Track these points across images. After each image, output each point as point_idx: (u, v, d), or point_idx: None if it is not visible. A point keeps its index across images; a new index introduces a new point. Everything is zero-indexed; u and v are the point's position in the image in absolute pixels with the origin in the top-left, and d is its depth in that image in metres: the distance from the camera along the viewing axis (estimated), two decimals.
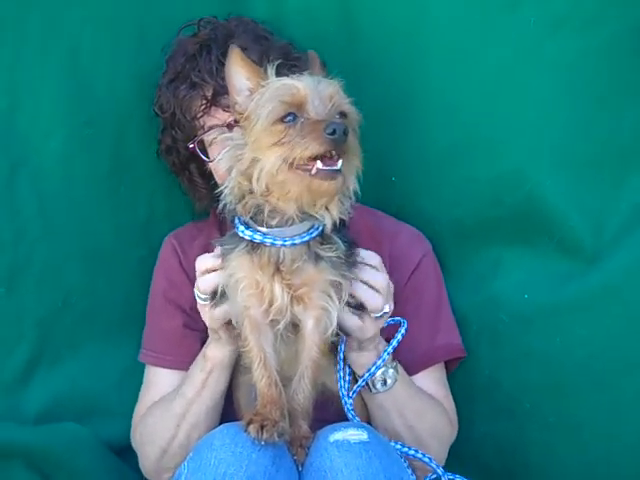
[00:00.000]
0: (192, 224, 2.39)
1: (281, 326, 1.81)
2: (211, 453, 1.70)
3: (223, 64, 1.88)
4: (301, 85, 1.71)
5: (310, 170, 1.66)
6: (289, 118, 1.69)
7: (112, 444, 2.32)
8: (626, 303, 2.19)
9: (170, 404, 2.11)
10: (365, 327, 1.92)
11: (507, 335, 2.34)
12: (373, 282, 1.91)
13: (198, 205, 2.32)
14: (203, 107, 2.08)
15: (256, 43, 2.13)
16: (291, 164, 1.67)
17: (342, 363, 1.99)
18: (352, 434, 1.75)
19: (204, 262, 1.92)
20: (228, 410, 2.12)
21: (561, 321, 2.26)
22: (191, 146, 2.15)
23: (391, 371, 2.03)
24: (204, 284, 1.90)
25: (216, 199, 1.85)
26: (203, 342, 2.17)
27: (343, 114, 1.73)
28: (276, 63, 1.80)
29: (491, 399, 2.38)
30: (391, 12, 2.27)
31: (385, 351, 2.01)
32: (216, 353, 2.02)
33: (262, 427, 1.68)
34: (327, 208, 1.76)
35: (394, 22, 2.27)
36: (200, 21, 2.20)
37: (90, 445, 2.29)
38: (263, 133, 1.71)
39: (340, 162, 1.66)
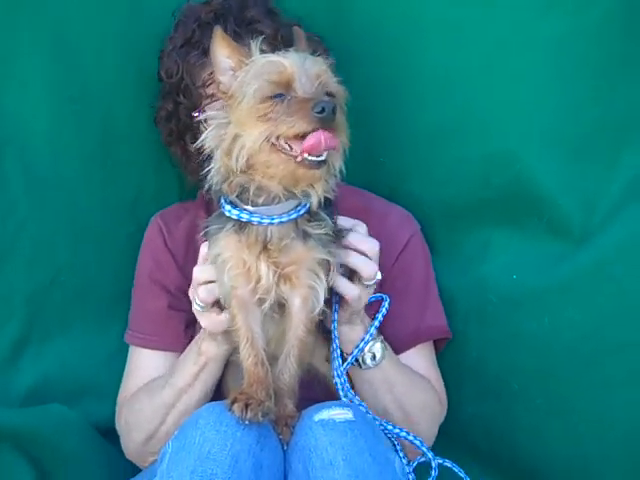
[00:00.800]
0: (179, 204, 2.38)
1: (267, 305, 1.80)
2: (195, 432, 1.69)
3: (238, 34, 1.88)
4: (288, 63, 1.69)
5: (295, 157, 1.65)
6: (276, 96, 1.67)
7: (100, 425, 2.31)
8: (615, 283, 2.17)
9: (159, 392, 2.09)
10: (360, 296, 1.91)
11: (495, 316, 2.33)
12: (365, 249, 1.90)
13: (189, 179, 2.28)
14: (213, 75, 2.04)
15: (267, 17, 2.13)
16: (274, 141, 1.66)
17: (337, 340, 1.96)
18: (337, 413, 1.74)
19: (204, 272, 1.89)
20: (216, 391, 2.12)
21: (550, 302, 2.25)
22: (196, 114, 2.12)
23: (379, 344, 2.02)
24: (205, 295, 1.87)
25: (204, 178, 1.84)
26: (187, 323, 2.20)
27: (330, 93, 1.71)
28: (260, 39, 1.78)
29: (479, 380, 2.38)
30: None
31: (372, 325, 2.00)
32: (211, 349, 2.01)
33: (246, 406, 1.67)
34: (312, 186, 1.75)
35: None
36: None
37: (78, 427, 2.27)
38: (248, 110, 1.69)
39: (325, 153, 1.65)
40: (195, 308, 1.92)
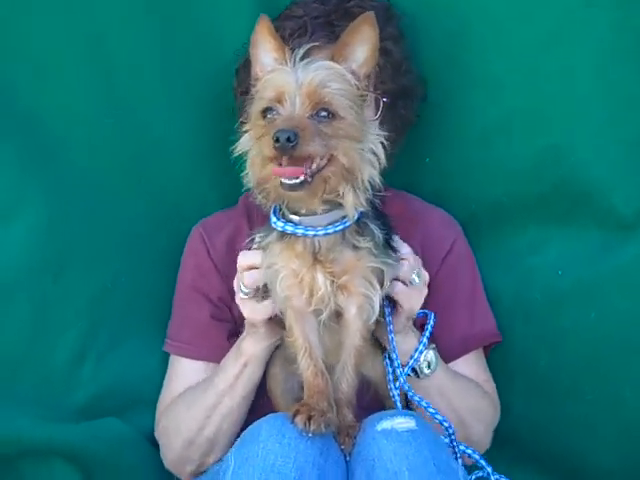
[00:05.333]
0: (220, 213, 2.36)
1: (324, 315, 1.79)
2: (258, 445, 1.68)
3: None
4: (282, 78, 1.66)
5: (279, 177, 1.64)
6: (270, 114, 1.65)
7: (152, 437, 2.28)
8: None
9: (200, 395, 2.09)
10: (412, 296, 1.92)
11: (540, 313, 2.31)
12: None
13: None
14: None
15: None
16: (266, 162, 1.65)
17: (396, 351, 1.94)
18: (400, 422, 1.73)
19: (248, 258, 1.89)
20: (260, 401, 2.12)
21: (596, 295, 2.22)
22: None
23: (432, 352, 2.01)
24: (250, 279, 1.87)
25: None
26: (230, 334, 2.19)
27: (328, 112, 1.64)
28: (308, 46, 1.72)
29: (527, 379, 2.35)
30: None
31: (424, 334, 2.00)
32: (252, 347, 2.00)
33: (309, 418, 1.66)
34: (343, 197, 1.71)
35: None
36: None
37: (133, 442, 2.27)
38: (252, 125, 1.70)
39: (299, 171, 1.61)
40: (240, 296, 1.91)
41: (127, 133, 2.27)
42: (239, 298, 1.93)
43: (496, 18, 2.19)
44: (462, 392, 2.10)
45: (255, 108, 1.69)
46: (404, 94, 2.19)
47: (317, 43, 1.83)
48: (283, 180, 1.62)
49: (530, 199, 2.32)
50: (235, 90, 2.25)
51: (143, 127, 2.30)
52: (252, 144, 1.71)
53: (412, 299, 1.92)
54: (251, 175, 1.73)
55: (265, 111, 1.66)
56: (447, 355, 2.13)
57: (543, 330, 2.32)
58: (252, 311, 1.92)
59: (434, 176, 2.41)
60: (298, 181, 1.62)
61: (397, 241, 1.89)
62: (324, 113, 1.63)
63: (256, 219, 2.24)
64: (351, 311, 1.80)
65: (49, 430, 2.10)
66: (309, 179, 1.62)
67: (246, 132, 1.76)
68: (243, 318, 1.99)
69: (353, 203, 1.71)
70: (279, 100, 1.64)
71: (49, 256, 2.16)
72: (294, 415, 1.68)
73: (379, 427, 1.73)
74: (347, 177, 1.68)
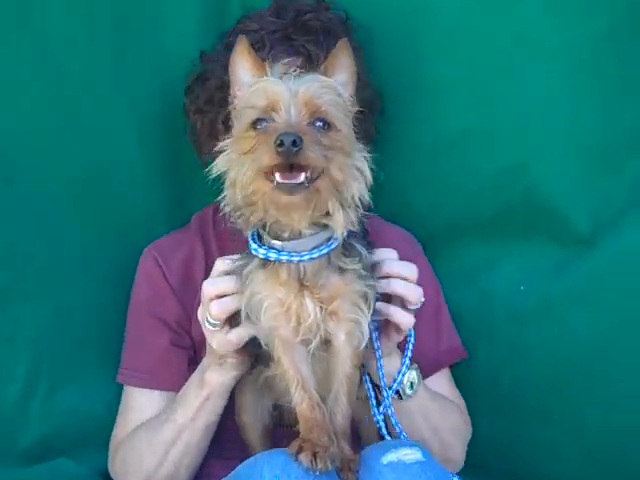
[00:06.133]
0: (172, 235, 2.23)
1: (314, 344, 1.68)
2: None
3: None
4: (277, 89, 1.56)
5: (272, 181, 1.52)
6: (261, 124, 1.55)
7: (107, 475, 2.13)
8: (623, 290, 2.14)
9: (158, 430, 1.96)
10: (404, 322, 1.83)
11: (504, 330, 2.28)
12: (405, 274, 1.81)
13: (201, 157, 2.14)
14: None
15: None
16: (259, 173, 1.53)
17: (383, 373, 1.86)
18: (406, 454, 1.64)
19: (215, 286, 1.77)
20: (228, 433, 2.01)
21: (558, 312, 2.21)
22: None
23: (414, 372, 1.95)
24: (219, 309, 1.74)
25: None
26: (189, 361, 2.07)
27: (324, 122, 1.57)
28: (284, 60, 1.72)
29: (491, 398, 2.30)
30: None
31: (405, 355, 1.93)
32: (217, 378, 1.89)
33: (314, 455, 1.55)
34: (332, 217, 1.62)
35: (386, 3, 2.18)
36: None
37: None
38: (238, 140, 1.58)
39: (302, 175, 1.52)
40: (207, 327, 1.78)
41: (72, 152, 2.14)
42: (206, 329, 1.80)
43: (450, 31, 2.15)
44: (441, 411, 2.04)
45: (243, 120, 1.58)
46: (366, 108, 2.11)
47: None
48: (281, 180, 1.50)
49: (486, 215, 2.28)
50: (186, 108, 2.15)
51: (89, 145, 2.16)
52: (236, 160, 1.58)
53: (410, 322, 1.84)
54: (234, 194, 1.61)
55: (256, 122, 1.55)
56: None
57: (506, 348, 2.28)
58: (221, 343, 1.80)
59: (388, 193, 2.31)
60: (298, 181, 1.51)
61: (396, 259, 1.83)
62: (320, 123, 1.55)
63: (210, 240, 2.16)
64: (340, 338, 1.70)
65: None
66: (306, 184, 1.52)
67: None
68: (203, 344, 1.88)
69: (343, 223, 1.62)
70: (273, 109, 1.54)
71: None
72: (297, 452, 1.57)
73: (384, 460, 1.64)
74: (336, 194, 1.59)
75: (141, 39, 2.17)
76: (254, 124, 1.55)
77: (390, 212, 2.28)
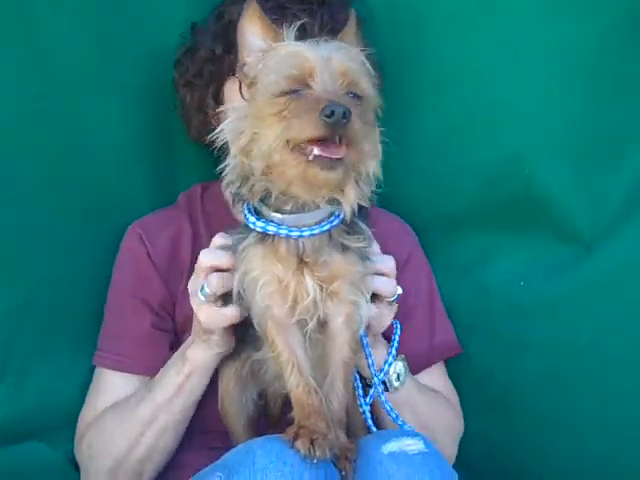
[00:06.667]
0: (158, 212, 2.14)
1: (311, 325, 1.60)
2: (255, 473, 1.46)
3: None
4: (311, 55, 1.48)
5: (308, 154, 1.44)
6: (294, 91, 1.47)
7: None
8: (625, 290, 2.10)
9: (132, 409, 1.87)
10: (383, 314, 1.77)
11: (501, 325, 2.22)
12: (381, 268, 1.73)
13: (191, 134, 2.10)
14: None
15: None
16: (289, 144, 1.45)
17: (373, 361, 1.79)
18: (408, 444, 1.55)
19: (212, 257, 1.69)
20: (213, 423, 1.91)
21: (558, 310, 2.16)
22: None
23: (401, 364, 1.88)
24: (219, 282, 1.66)
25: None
26: (171, 345, 1.98)
27: (356, 94, 1.50)
28: (297, 23, 1.57)
29: (483, 394, 2.25)
30: None
31: (392, 346, 1.86)
32: (201, 355, 1.80)
33: (312, 442, 1.46)
34: (342, 192, 1.55)
35: None
36: None
37: (58, 468, 2.03)
38: (264, 106, 1.49)
39: (344, 150, 1.44)
40: (197, 299, 1.69)
41: (51, 123, 2.01)
42: (195, 302, 1.71)
43: (454, 23, 2.10)
44: (430, 404, 1.98)
45: (268, 86, 1.49)
46: None
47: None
48: (321, 154, 1.42)
49: (483, 208, 2.23)
50: (175, 82, 2.08)
51: (70, 117, 2.04)
52: (255, 127, 1.50)
53: (384, 317, 1.79)
54: (243, 162, 1.53)
55: (289, 91, 1.47)
56: (411, 368, 1.97)
57: (502, 343, 2.23)
58: (210, 317, 1.70)
59: (384, 183, 2.25)
60: (338, 156, 1.43)
61: (379, 254, 1.74)
62: (351, 94, 1.48)
63: (198, 219, 2.08)
64: (338, 320, 1.62)
65: None
66: (344, 160, 1.45)
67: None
68: (186, 327, 1.83)
69: (354, 198, 1.54)
70: (306, 79, 1.46)
71: None
72: (293, 439, 1.48)
73: (385, 449, 1.55)
74: (355, 168, 1.52)
75: (127, 11, 2.08)
76: (286, 91, 1.47)
77: (386, 203, 2.19)
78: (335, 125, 1.39)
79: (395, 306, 1.81)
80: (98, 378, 2.02)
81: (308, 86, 1.46)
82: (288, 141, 1.45)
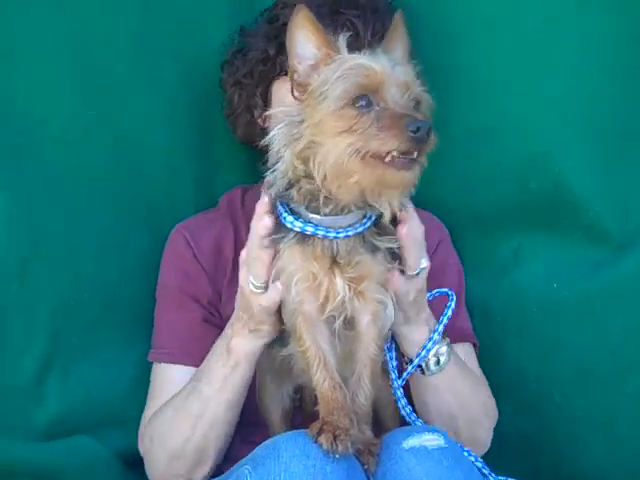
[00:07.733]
0: (202, 215, 2.21)
1: (339, 322, 1.66)
2: (279, 466, 1.52)
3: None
4: (378, 67, 1.53)
5: (384, 158, 1.49)
6: (362, 103, 1.52)
7: (127, 456, 2.11)
8: None
9: (184, 402, 1.90)
10: (399, 286, 1.73)
11: (534, 326, 2.24)
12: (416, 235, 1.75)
13: (237, 134, 2.18)
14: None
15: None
16: (363, 155, 1.50)
17: (393, 347, 1.84)
18: (428, 439, 1.60)
19: (263, 245, 1.70)
20: (253, 416, 1.97)
21: (591, 310, 2.17)
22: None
23: (444, 348, 1.87)
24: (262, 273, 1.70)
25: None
26: None
27: (418, 103, 1.57)
28: (347, 35, 1.61)
29: (517, 393, 2.26)
30: None
31: (436, 329, 1.85)
32: (246, 345, 1.82)
33: (335, 437, 1.52)
34: (391, 197, 1.60)
35: None
36: None
37: (105, 462, 2.08)
38: (330, 116, 1.53)
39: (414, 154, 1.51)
40: (250, 290, 1.72)
41: (103, 129, 2.10)
42: (248, 294, 1.74)
43: (482, 22, 2.13)
44: (473, 389, 1.98)
45: (337, 99, 1.53)
46: None
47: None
48: (400, 155, 1.49)
49: (515, 208, 2.25)
50: (223, 82, 2.14)
51: (120, 122, 2.13)
52: (315, 135, 1.56)
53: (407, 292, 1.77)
54: (296, 166, 1.60)
55: (356, 100, 1.52)
56: None
57: (536, 343, 2.25)
58: (260, 304, 1.73)
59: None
60: (413, 156, 1.50)
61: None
62: (415, 103, 1.56)
63: (239, 220, 2.14)
64: (365, 319, 1.68)
65: (16, 449, 1.92)
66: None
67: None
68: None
69: (399, 202, 1.62)
70: (375, 91, 1.52)
71: (12, 260, 1.98)
72: (317, 434, 1.54)
73: (406, 444, 1.60)
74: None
75: (170, 16, 2.16)
76: (354, 102, 1.52)
77: (418, 205, 2.24)
78: (420, 140, 1.47)
79: (420, 281, 1.78)
80: (156, 374, 2.06)
81: (377, 98, 1.51)
82: (361, 153, 1.50)
